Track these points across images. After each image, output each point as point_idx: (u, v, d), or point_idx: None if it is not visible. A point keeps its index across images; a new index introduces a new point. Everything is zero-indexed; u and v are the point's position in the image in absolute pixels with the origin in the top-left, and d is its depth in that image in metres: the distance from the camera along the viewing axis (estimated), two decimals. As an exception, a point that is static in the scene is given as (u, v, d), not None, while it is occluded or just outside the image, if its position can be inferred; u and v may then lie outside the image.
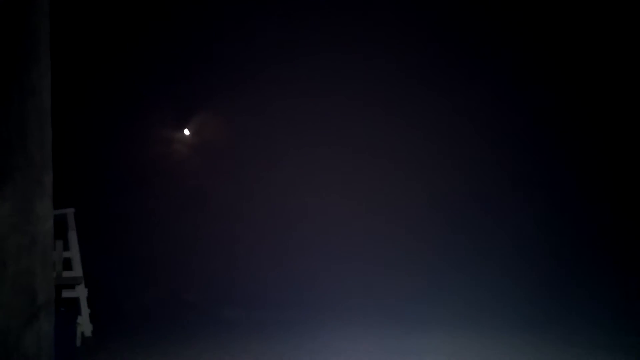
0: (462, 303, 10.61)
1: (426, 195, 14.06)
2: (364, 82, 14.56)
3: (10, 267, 2.09)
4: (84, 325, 8.51)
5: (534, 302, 10.77)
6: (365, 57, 14.37)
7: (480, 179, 14.07)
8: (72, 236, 8.87)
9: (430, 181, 14.18)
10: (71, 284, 8.38)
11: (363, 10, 13.94)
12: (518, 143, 14.41)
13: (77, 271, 8.66)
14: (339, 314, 10.46)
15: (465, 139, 14.46)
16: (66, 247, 8.61)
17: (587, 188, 13.68)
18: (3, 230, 2.09)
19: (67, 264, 8.66)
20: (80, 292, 8.65)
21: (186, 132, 16.48)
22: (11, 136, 2.14)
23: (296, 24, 14.24)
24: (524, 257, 12.73)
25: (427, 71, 14.27)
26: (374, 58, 14.31)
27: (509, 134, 14.30)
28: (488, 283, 11.48)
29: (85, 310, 8.61)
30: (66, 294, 8.60)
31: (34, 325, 2.13)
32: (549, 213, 13.53)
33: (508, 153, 14.23)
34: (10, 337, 2.06)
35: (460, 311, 10.09)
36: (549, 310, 10.18)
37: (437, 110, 14.45)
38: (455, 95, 14.42)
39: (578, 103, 13.92)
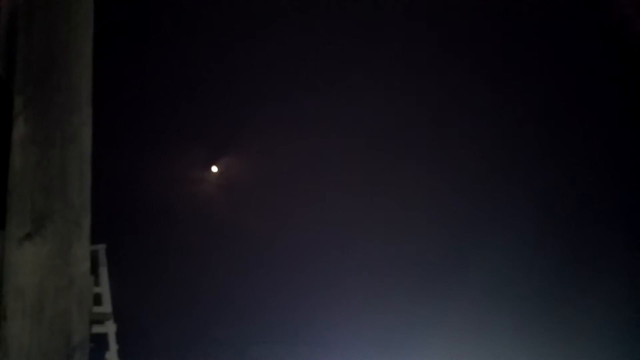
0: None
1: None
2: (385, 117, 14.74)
3: (48, 308, 2.15)
4: (112, 361, 8.55)
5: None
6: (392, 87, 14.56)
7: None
8: (103, 272, 8.99)
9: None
10: (100, 320, 8.46)
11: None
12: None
13: (107, 307, 8.74)
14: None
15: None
16: (96, 283, 8.73)
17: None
18: (43, 272, 2.16)
19: (97, 299, 8.76)
20: (109, 328, 8.72)
21: (214, 169, 16.71)
22: (52, 181, 2.23)
23: (326, 61, 14.53)
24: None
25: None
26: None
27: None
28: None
29: (113, 346, 8.67)
30: (95, 329, 8.68)
31: (69, 366, 2.17)
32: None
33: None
34: (46, 378, 2.11)
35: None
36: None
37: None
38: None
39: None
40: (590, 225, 13.12)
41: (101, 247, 9.23)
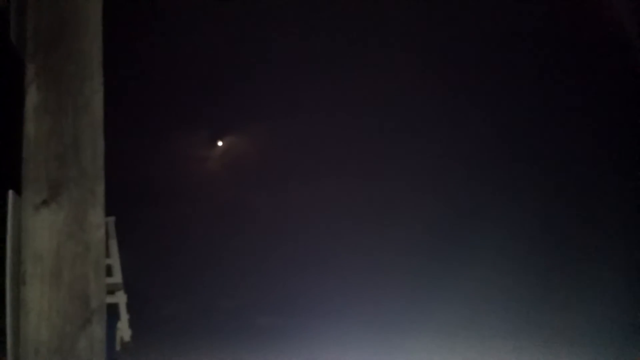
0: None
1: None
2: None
3: (66, 274, 2.19)
4: (123, 330, 8.68)
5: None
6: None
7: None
8: (113, 244, 9.06)
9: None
10: (111, 290, 8.57)
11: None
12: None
13: (117, 277, 8.84)
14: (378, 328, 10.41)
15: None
16: (107, 254, 8.81)
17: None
18: (60, 239, 2.19)
19: (108, 271, 8.86)
20: (120, 298, 8.82)
21: (220, 143, 16.76)
22: (66, 149, 2.25)
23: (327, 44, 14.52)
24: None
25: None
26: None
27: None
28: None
29: (124, 315, 8.78)
30: (106, 299, 8.78)
31: (87, 330, 2.22)
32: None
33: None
34: (66, 341, 2.16)
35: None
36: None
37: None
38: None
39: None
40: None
41: (111, 220, 9.28)
